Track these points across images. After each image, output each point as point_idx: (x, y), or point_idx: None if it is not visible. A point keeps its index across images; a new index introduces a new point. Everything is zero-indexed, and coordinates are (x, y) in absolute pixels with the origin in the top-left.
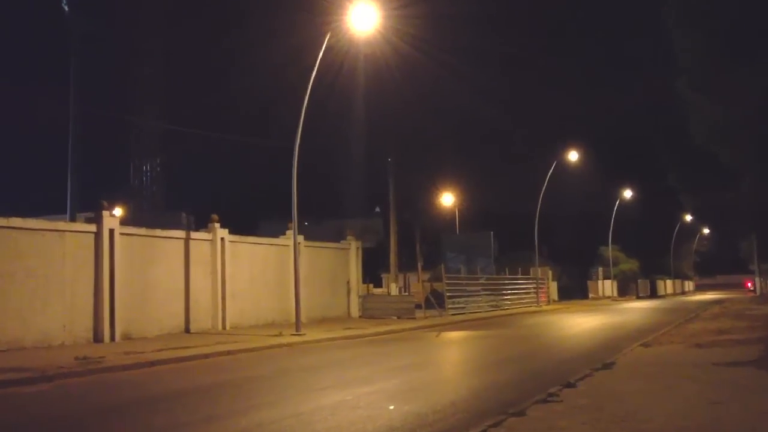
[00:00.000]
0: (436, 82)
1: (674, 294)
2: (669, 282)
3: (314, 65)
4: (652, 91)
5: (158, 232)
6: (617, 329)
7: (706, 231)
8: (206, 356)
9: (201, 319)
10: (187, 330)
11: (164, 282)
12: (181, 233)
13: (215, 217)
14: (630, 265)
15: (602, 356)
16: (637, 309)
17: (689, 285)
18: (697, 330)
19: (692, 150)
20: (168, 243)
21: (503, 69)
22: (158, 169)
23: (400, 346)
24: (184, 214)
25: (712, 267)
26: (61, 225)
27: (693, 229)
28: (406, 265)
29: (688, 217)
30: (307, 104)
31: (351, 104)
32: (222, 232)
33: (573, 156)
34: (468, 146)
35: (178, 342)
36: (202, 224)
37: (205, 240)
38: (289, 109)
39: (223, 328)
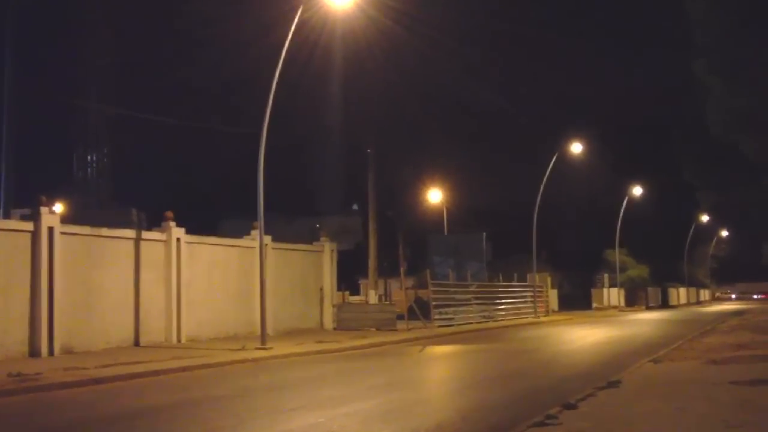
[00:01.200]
0: (423, 63)
1: (688, 304)
2: (682, 290)
3: (284, 44)
4: (665, 75)
5: (105, 231)
6: (624, 343)
7: (725, 233)
8: (159, 373)
9: (153, 331)
10: (137, 343)
11: (111, 288)
12: (130, 233)
13: (170, 214)
14: (639, 271)
15: (607, 373)
16: (646, 320)
17: (705, 294)
18: (713, 344)
19: (710, 141)
20: (116, 244)
21: (499, 48)
22: (105, 160)
23: (380, 362)
24: (134, 211)
25: (732, 274)
26: None
27: (710, 231)
28: (388, 270)
29: (705, 218)
30: (276, 87)
31: (327, 88)
32: (178, 232)
33: (576, 148)
34: (459, 136)
35: (127, 356)
36: (155, 222)
37: (158, 240)
38: (255, 92)
39: (179, 340)
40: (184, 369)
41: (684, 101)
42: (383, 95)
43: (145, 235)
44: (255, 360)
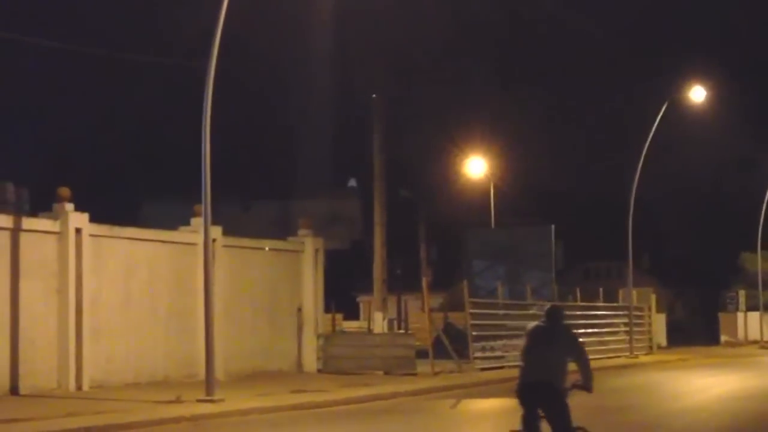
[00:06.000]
0: None
1: None
2: None
3: None
4: None
5: None
6: None
7: None
8: None
9: (40, 372)
10: (14, 390)
11: None
12: (5, 220)
13: (65, 192)
14: None
15: None
16: None
17: None
18: None
19: None
20: None
21: None
22: None
23: (390, 426)
24: (10, 187)
25: None
26: None
27: None
28: (403, 282)
29: None
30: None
31: (314, 1)
32: (78, 219)
33: (698, 94)
34: (514, 77)
35: None
36: (42, 205)
37: (47, 232)
38: (198, 8)
39: (79, 387)
40: (85, 431)
41: None
42: (398, 15)
43: (28, 223)
44: (195, 418)
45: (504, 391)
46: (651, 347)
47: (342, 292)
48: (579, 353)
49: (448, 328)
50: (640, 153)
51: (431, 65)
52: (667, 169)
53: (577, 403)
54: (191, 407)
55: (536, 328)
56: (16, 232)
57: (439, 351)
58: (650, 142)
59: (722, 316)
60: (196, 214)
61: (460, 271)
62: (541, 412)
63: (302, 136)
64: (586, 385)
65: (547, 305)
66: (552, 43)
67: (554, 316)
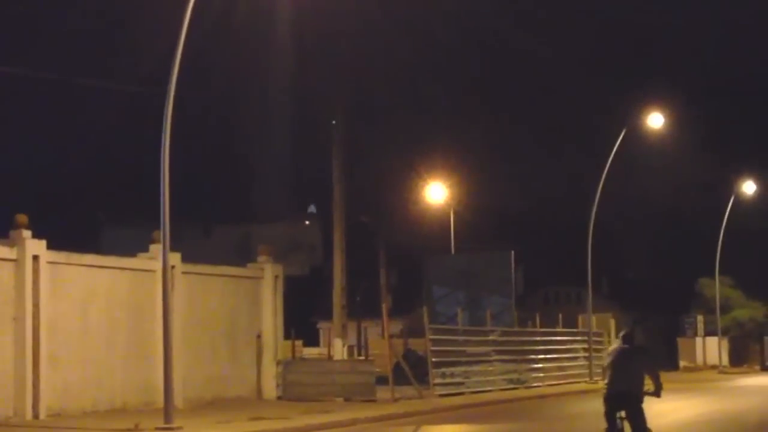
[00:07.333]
0: None
1: None
2: None
3: None
4: None
5: None
6: (729, 423)
7: None
8: None
9: None
10: None
11: None
12: None
13: (23, 219)
14: (750, 311)
15: None
16: (762, 388)
17: None
18: None
19: None
20: None
21: None
22: None
23: None
24: None
25: None
26: None
27: None
28: (362, 309)
29: None
30: (190, 23)
31: (271, 26)
32: (35, 246)
33: (655, 121)
34: (474, 103)
35: None
36: None
37: (4, 259)
38: (158, 32)
39: (36, 415)
40: None
41: None
42: (359, 40)
43: None
44: None
45: (462, 416)
46: None
47: (302, 318)
48: (653, 369)
49: (409, 355)
50: (599, 181)
51: (391, 92)
52: (627, 195)
53: (533, 429)
54: None
55: (619, 348)
56: None
57: (399, 377)
58: (609, 167)
59: (681, 341)
60: (154, 241)
61: (421, 297)
62: (621, 414)
63: (263, 162)
64: (657, 393)
65: (624, 330)
66: (512, 70)
67: (631, 339)
